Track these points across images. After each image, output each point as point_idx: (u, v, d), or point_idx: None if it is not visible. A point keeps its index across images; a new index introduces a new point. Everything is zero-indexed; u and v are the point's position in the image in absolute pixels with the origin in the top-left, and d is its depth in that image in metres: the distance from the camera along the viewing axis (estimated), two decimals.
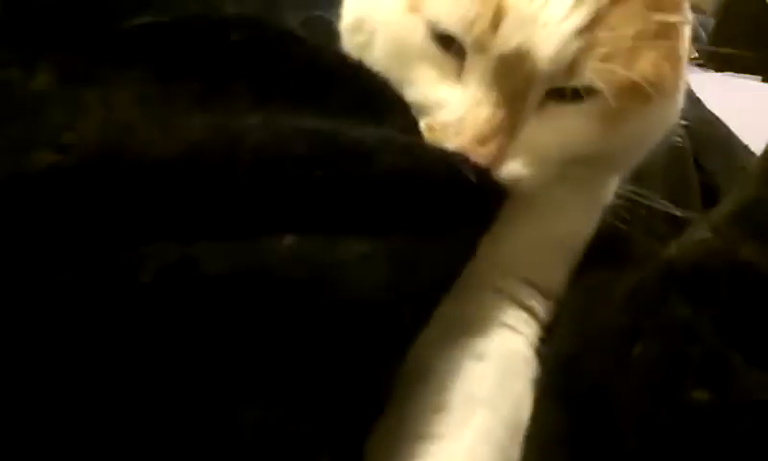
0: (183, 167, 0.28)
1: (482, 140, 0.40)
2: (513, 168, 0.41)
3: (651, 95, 0.41)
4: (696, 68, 0.49)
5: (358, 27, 0.47)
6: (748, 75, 1.71)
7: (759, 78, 1.70)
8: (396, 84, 0.44)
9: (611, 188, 0.50)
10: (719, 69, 1.64)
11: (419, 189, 0.36)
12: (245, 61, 0.33)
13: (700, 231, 0.39)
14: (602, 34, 0.39)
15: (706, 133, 0.69)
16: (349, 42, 0.48)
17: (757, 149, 0.70)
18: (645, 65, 0.40)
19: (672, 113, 0.47)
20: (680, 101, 0.47)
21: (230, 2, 0.37)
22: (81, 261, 0.27)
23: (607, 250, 0.48)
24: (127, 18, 0.31)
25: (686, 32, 0.45)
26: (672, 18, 0.42)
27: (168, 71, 0.31)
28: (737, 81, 1.46)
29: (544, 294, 0.48)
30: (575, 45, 0.39)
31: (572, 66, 0.39)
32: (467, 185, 0.38)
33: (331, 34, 0.49)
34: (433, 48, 0.42)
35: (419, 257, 0.35)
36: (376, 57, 0.45)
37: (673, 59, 0.43)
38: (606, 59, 0.39)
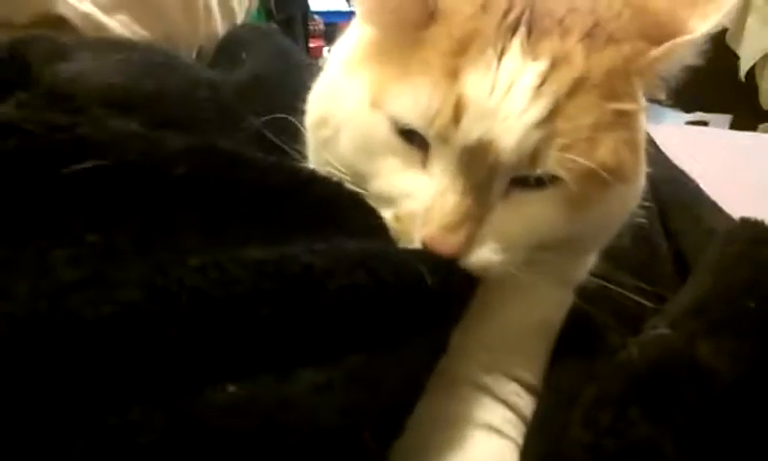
0: (117, 332, 0.25)
1: (450, 228, 0.39)
2: (481, 255, 0.40)
3: (611, 181, 0.40)
4: (665, 109, 0.47)
5: (323, 123, 0.46)
6: (717, 113, 1.69)
7: (730, 117, 1.68)
8: (362, 177, 0.43)
9: (583, 269, 0.49)
10: (688, 110, 1.62)
11: (375, 304, 0.33)
12: (189, 196, 0.31)
13: (660, 325, 0.38)
14: (561, 124, 0.38)
15: (672, 193, 0.67)
16: (315, 137, 0.47)
17: (723, 201, 0.69)
18: (604, 153, 0.39)
19: (634, 196, 0.46)
20: (641, 184, 0.46)
21: (178, 132, 0.35)
22: (6, 434, 0.24)
23: (577, 340, 0.45)
24: (66, 165, 0.29)
25: (643, 119, 0.44)
26: (627, 107, 0.41)
27: (107, 218, 0.29)
28: (705, 130, 1.45)
29: (527, 387, 0.45)
30: (536, 136, 0.38)
31: (534, 156, 0.39)
32: (429, 289, 0.36)
33: (296, 130, 0.47)
34: (397, 141, 0.41)
35: (379, 373, 0.33)
36: (342, 151, 0.44)
37: (631, 145, 0.42)
38: (566, 148, 0.38)
